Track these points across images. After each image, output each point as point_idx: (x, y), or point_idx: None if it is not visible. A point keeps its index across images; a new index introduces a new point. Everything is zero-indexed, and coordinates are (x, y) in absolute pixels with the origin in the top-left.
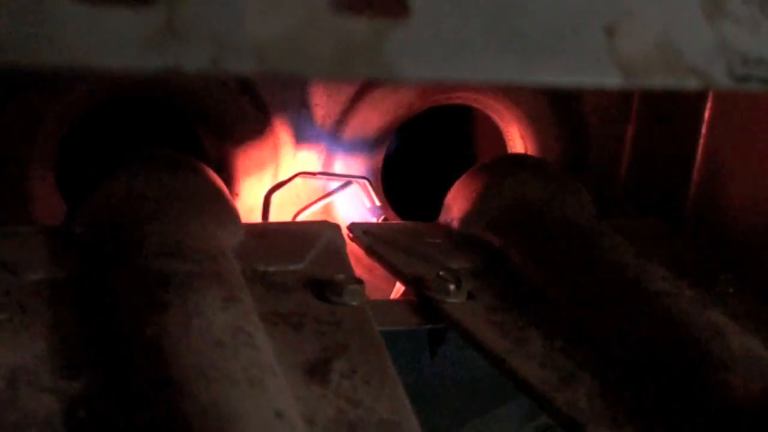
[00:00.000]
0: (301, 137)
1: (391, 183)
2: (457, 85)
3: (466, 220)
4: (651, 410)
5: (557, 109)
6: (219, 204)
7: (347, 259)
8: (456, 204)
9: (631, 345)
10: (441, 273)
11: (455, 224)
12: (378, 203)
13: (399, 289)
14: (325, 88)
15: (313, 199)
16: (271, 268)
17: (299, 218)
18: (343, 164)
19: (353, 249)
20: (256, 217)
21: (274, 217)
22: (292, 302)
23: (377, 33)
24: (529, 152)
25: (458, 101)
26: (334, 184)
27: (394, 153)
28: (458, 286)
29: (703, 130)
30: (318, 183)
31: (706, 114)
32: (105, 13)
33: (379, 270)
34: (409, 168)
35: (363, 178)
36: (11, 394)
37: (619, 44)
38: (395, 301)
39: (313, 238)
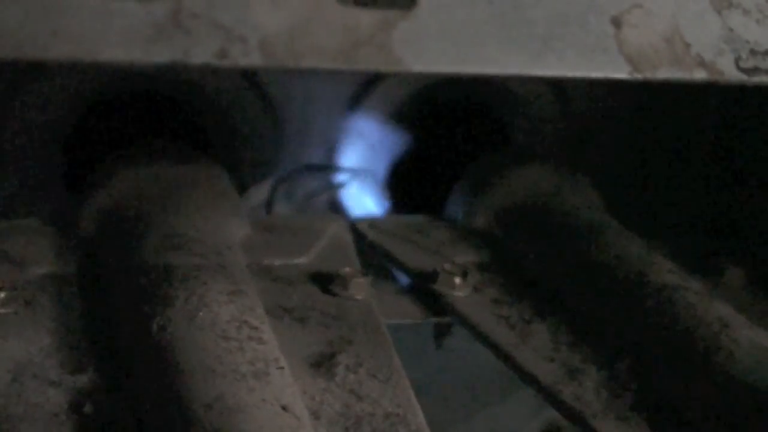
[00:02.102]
0: (306, 130)
1: (397, 176)
2: (464, 78)
3: (472, 213)
4: (657, 403)
5: (562, 101)
6: (224, 198)
7: (353, 253)
8: (462, 198)
9: (638, 338)
10: (446, 266)
11: (461, 218)
12: (384, 196)
13: None
14: (331, 81)
15: (319, 193)
16: (277, 262)
17: (304, 212)
18: (348, 157)
19: None
20: (262, 211)
21: (279, 210)
22: (298, 296)
23: (384, 25)
24: (536, 146)
25: (464, 95)
26: (340, 177)
27: (401, 147)
28: (464, 280)
29: None
30: (323, 176)
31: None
32: (112, 7)
33: None
34: (416, 162)
35: (368, 171)
36: (17, 388)
37: (627, 36)
38: (401, 295)
39: (318, 232)
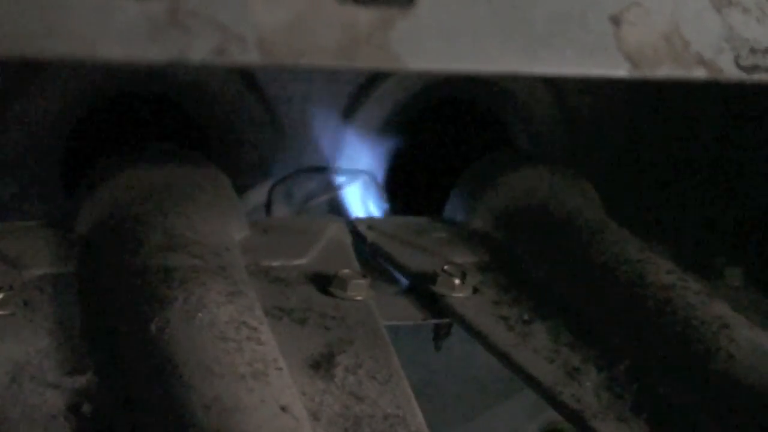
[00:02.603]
0: (305, 131)
1: (396, 177)
2: (463, 77)
3: (471, 214)
4: (657, 404)
5: (561, 102)
6: (223, 199)
7: (352, 254)
8: (461, 199)
9: (637, 339)
10: (446, 267)
11: (460, 219)
12: (382, 198)
13: None
14: (330, 81)
15: (317, 194)
16: (276, 263)
17: (303, 213)
18: (348, 158)
19: None
20: (261, 212)
21: (278, 212)
22: (297, 297)
23: (382, 23)
24: (534, 147)
25: (464, 95)
26: (339, 178)
27: (400, 147)
28: (463, 281)
29: None
30: (322, 177)
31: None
32: (109, 4)
33: None
34: (415, 162)
35: (367, 173)
36: (15, 390)
37: (626, 34)
38: (400, 296)
39: (317, 233)
